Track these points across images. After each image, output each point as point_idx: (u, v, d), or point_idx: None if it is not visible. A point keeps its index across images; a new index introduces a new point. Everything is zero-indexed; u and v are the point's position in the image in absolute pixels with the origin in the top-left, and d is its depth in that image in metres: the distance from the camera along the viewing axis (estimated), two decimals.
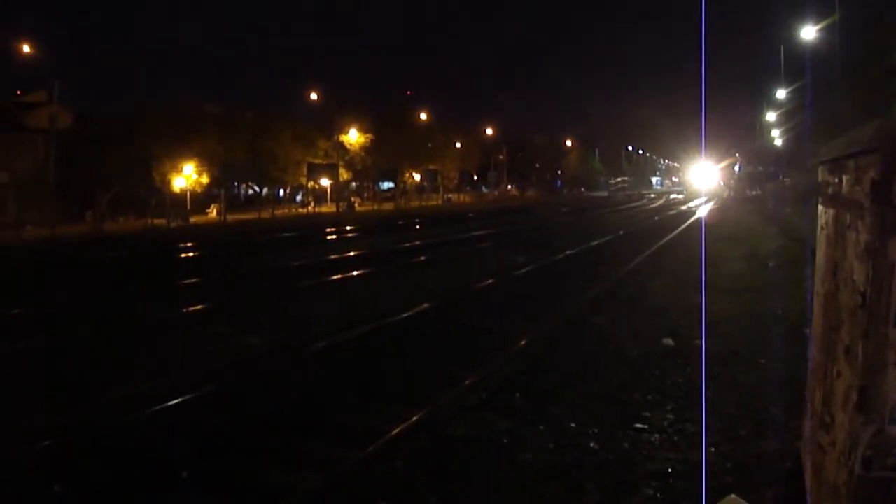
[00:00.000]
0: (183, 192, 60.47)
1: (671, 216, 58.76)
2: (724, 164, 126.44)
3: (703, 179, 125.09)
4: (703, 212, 60.71)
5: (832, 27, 36.20)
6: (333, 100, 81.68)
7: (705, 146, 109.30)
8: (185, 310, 15.91)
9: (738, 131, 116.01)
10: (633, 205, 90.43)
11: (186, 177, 60.79)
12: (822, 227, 4.68)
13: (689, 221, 47.39)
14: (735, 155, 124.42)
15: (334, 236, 40.35)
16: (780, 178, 62.56)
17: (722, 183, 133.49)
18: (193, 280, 20.99)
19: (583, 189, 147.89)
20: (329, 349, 11.84)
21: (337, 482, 6.85)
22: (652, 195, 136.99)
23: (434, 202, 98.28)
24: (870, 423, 2.99)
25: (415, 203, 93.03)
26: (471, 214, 64.84)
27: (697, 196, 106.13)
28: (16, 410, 9.16)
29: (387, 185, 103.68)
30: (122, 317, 15.51)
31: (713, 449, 7.22)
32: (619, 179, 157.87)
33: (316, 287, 19.40)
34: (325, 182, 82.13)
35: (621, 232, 38.54)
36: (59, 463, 7.32)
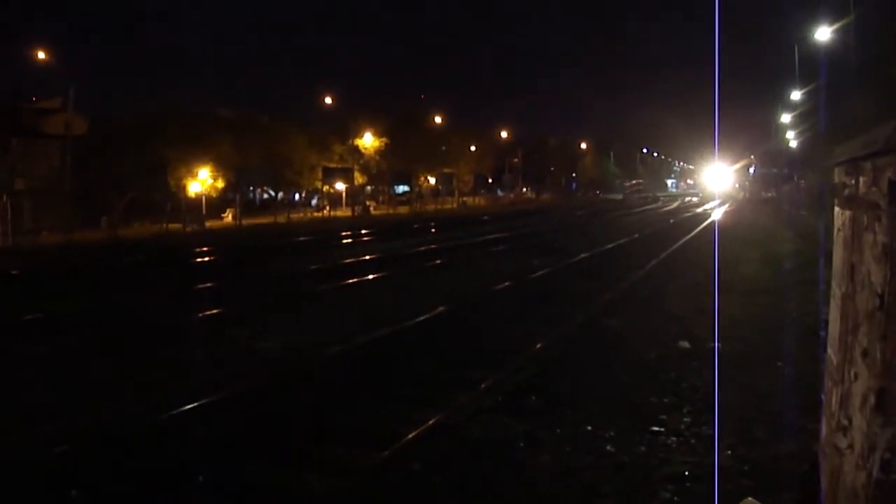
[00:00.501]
0: (198, 197, 60.69)
1: (686, 219, 58.62)
2: (738, 165, 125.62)
3: (717, 181, 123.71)
4: (717, 215, 60.36)
5: (847, 28, 36.04)
6: (348, 104, 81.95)
7: (720, 148, 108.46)
8: (202, 314, 15.95)
9: (752, 133, 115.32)
10: (648, 208, 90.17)
11: (201, 181, 61.03)
12: (838, 229, 4.66)
13: (704, 224, 47.29)
14: (750, 157, 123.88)
15: (350, 240, 40.36)
16: (796, 179, 62.35)
17: (737, 185, 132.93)
18: (210, 284, 21.03)
19: (598, 192, 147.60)
20: (346, 353, 11.85)
21: (355, 485, 6.87)
22: (667, 198, 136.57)
23: (449, 205, 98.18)
24: (888, 425, 2.98)
25: (430, 206, 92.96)
26: (486, 217, 64.79)
27: (711, 199, 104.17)
28: (36, 412, 9.22)
29: (402, 188, 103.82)
30: (139, 321, 15.55)
31: (730, 452, 7.21)
32: (633, 182, 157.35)
33: (332, 291, 19.42)
34: (341, 186, 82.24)
35: (636, 235, 38.48)
36: (78, 464, 7.35)
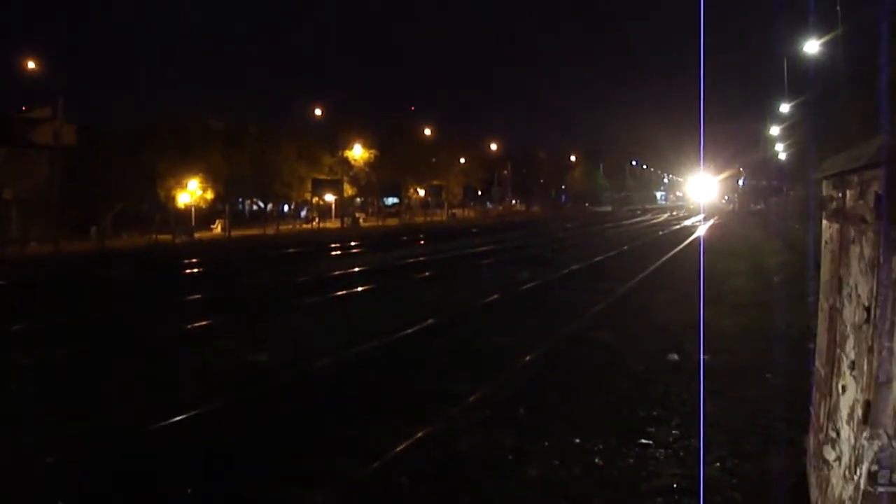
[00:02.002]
0: (187, 208, 60.61)
1: (675, 231, 58.69)
2: (723, 175, 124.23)
3: (702, 193, 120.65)
4: (704, 230, 60.18)
5: (835, 40, 36.16)
6: (338, 115, 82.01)
7: (707, 159, 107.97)
8: (190, 325, 15.89)
9: (739, 143, 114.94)
10: (636, 220, 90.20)
11: (191, 193, 60.94)
12: (826, 242, 4.68)
13: (692, 237, 47.35)
14: (739, 169, 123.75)
15: (339, 252, 40.31)
16: (785, 192, 62.53)
17: (726, 198, 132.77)
18: (198, 296, 20.98)
19: (587, 204, 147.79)
20: (335, 365, 11.81)
21: (343, 499, 6.84)
22: (656, 210, 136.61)
23: (438, 217, 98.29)
24: (875, 437, 2.98)
25: (419, 218, 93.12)
26: (475, 230, 64.77)
27: (696, 213, 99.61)
28: (22, 422, 9.18)
29: (391, 200, 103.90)
30: (128, 332, 15.51)
31: (718, 464, 7.21)
32: (622, 194, 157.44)
33: (321, 303, 19.37)
34: (330, 198, 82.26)
35: (625, 247, 38.49)
36: (66, 475, 7.32)
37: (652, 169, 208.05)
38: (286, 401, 10.08)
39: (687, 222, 77.21)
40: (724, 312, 16.08)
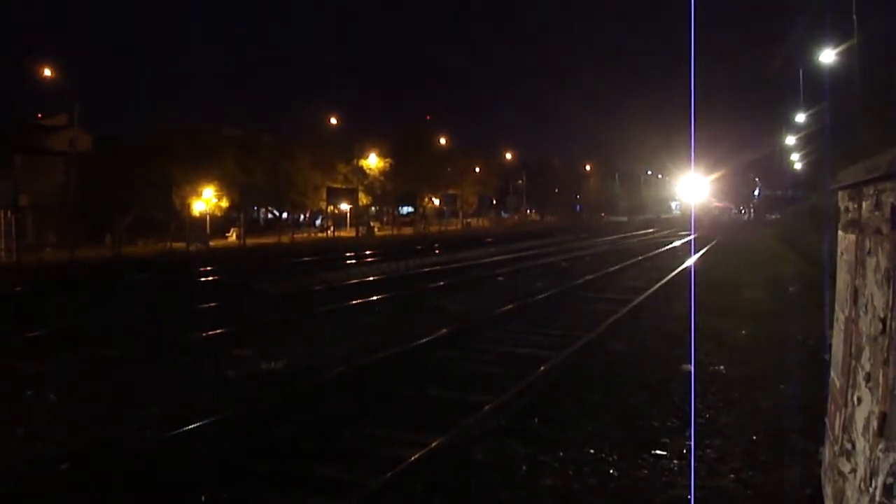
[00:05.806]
0: (202, 216, 60.69)
1: (690, 243, 58.36)
2: (716, 175, 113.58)
3: (693, 195, 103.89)
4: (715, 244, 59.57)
5: (851, 50, 36.06)
6: (353, 124, 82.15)
7: (704, 159, 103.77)
8: (205, 333, 15.90)
9: (738, 142, 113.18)
10: (651, 230, 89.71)
11: (206, 200, 61.05)
12: (841, 253, 4.66)
13: (707, 248, 47.15)
14: (754, 178, 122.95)
15: (354, 261, 40.29)
16: (801, 201, 62.26)
17: (741, 209, 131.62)
18: (213, 304, 20.99)
19: (602, 214, 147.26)
20: (349, 374, 11.79)
21: None
22: (671, 220, 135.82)
23: (453, 227, 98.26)
24: (891, 450, 2.97)
25: (434, 227, 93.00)
26: (490, 239, 64.62)
27: (684, 230, 79.17)
28: (37, 430, 9.23)
29: (406, 209, 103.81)
30: (142, 340, 15.52)
31: (733, 476, 7.20)
32: (637, 205, 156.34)
33: (335, 311, 19.34)
34: (345, 206, 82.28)
35: (640, 258, 38.35)
36: (78, 482, 7.35)
37: (667, 178, 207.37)
38: (303, 409, 10.08)
39: (700, 234, 76.60)
40: (741, 323, 16.05)
